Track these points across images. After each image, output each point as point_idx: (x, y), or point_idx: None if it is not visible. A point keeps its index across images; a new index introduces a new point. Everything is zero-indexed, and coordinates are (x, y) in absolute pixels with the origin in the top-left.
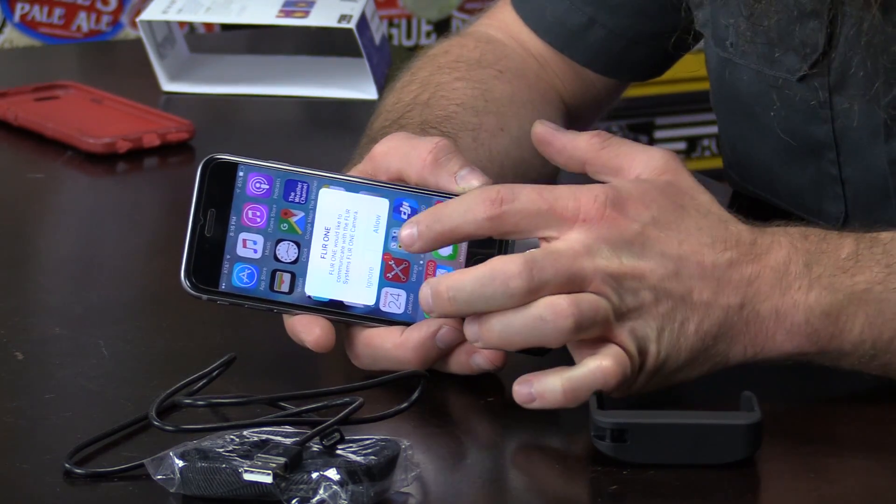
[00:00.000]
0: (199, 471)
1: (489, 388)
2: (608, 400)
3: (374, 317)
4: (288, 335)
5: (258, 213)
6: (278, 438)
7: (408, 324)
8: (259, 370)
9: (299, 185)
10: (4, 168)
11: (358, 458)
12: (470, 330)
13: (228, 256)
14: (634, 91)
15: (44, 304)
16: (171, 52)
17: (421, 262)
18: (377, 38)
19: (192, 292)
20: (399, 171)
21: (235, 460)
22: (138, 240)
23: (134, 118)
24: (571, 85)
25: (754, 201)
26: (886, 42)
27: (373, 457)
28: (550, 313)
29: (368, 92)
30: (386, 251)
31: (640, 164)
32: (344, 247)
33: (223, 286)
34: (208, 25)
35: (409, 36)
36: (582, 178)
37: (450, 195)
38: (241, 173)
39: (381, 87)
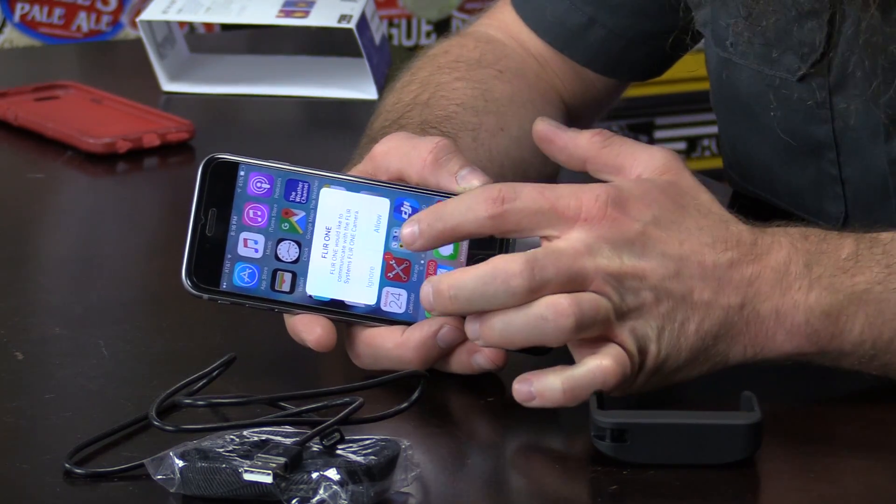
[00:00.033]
0: (199, 471)
1: (489, 388)
2: (608, 400)
3: (375, 316)
4: (288, 335)
5: (259, 213)
6: (278, 438)
7: (409, 323)
8: (259, 370)
9: (300, 185)
10: (4, 168)
11: (358, 458)
12: (471, 328)
13: (229, 256)
14: (634, 91)
15: (44, 304)
16: (171, 52)
17: (422, 261)
18: (377, 38)
19: (193, 292)
20: (399, 171)
21: (235, 460)
22: (138, 240)
23: (134, 118)
24: (571, 85)
25: (754, 201)
26: (885, 42)
27: (373, 457)
28: (551, 312)
29: (368, 92)
30: (387, 251)
31: (642, 163)
32: (345, 246)
33: (224, 286)
34: (208, 25)
35: (409, 36)
36: (583, 177)
37: (450, 195)
38: (242, 173)
39: (381, 87)
